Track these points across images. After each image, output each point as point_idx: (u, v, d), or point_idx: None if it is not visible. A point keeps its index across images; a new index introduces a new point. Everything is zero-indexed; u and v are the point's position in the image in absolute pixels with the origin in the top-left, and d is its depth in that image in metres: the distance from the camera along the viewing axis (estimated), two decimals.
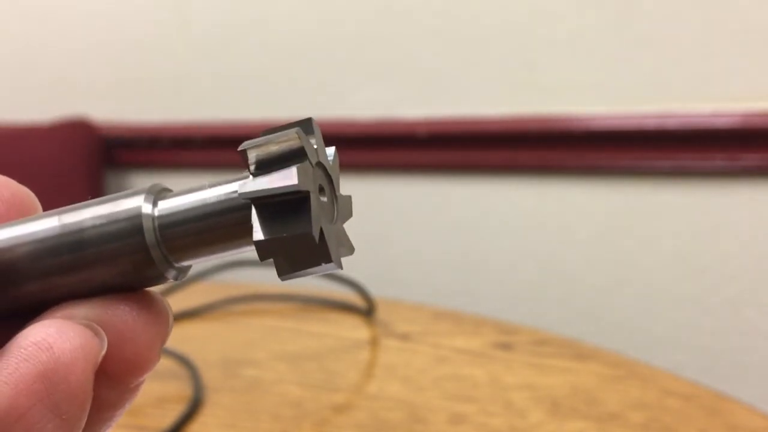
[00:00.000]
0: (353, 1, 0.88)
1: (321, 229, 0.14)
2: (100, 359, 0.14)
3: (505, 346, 0.53)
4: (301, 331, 0.58)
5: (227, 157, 0.91)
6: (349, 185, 1.02)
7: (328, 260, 0.15)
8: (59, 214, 0.16)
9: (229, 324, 0.61)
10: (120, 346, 0.15)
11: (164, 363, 0.51)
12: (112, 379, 0.15)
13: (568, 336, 0.55)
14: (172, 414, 0.44)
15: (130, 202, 0.15)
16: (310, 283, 0.63)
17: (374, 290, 0.61)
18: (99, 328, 0.15)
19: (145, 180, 1.07)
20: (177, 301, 0.61)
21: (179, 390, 0.47)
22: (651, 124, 0.76)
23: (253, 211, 0.14)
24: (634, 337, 0.82)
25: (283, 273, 0.15)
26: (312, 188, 0.14)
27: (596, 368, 0.49)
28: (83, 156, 1.01)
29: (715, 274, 0.78)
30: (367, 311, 0.60)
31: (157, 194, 0.16)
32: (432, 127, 0.86)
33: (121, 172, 1.07)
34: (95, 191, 0.98)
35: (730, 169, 0.75)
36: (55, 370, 0.13)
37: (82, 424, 0.14)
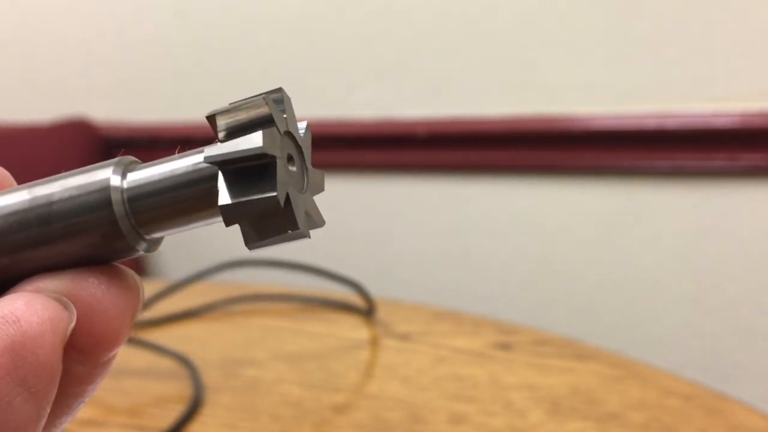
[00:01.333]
0: (353, 1, 0.88)
1: (288, 196, 0.14)
2: (69, 332, 0.14)
3: (505, 346, 0.53)
4: (301, 331, 0.58)
5: None
6: (349, 185, 1.03)
7: (295, 227, 0.14)
8: (30, 187, 0.15)
9: (229, 324, 0.61)
10: (89, 320, 0.15)
11: (164, 363, 0.51)
12: (82, 353, 0.15)
13: (568, 336, 0.55)
14: (172, 414, 0.44)
15: (98, 174, 0.15)
16: (310, 283, 0.63)
17: (374, 290, 0.61)
18: (68, 301, 0.15)
19: None
20: (177, 301, 0.61)
21: (179, 390, 0.47)
22: (651, 124, 0.76)
23: (220, 176, 0.14)
24: (634, 337, 0.82)
25: (250, 241, 0.15)
26: (278, 154, 0.14)
27: (596, 368, 0.49)
28: (83, 156, 1.01)
29: (715, 274, 0.78)
30: (367, 311, 0.60)
31: (126, 166, 0.16)
32: (432, 127, 0.86)
33: None
34: None
35: (729, 169, 0.75)
36: (22, 343, 0.13)
37: (51, 398, 0.14)
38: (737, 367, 0.78)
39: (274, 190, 0.14)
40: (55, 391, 0.14)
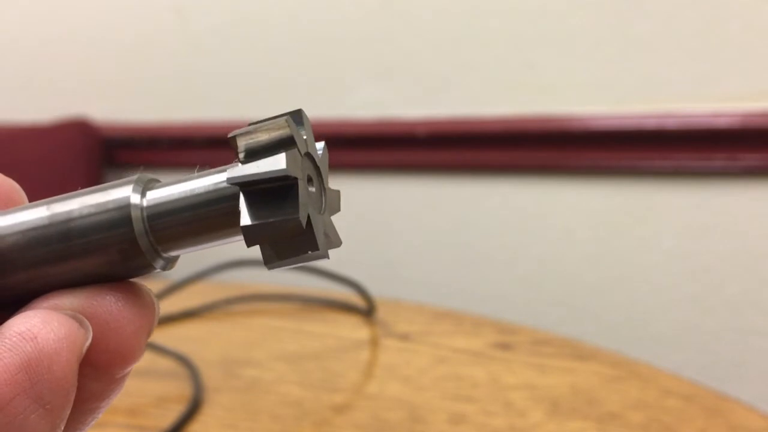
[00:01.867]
0: (353, 1, 0.88)
1: (309, 217, 0.14)
2: (84, 350, 0.14)
3: (505, 346, 0.53)
4: (301, 331, 0.58)
5: (227, 157, 0.90)
6: (349, 185, 1.02)
7: (315, 248, 0.15)
8: (48, 203, 0.16)
9: (229, 324, 0.61)
10: (105, 337, 0.15)
11: (164, 363, 0.51)
12: (98, 369, 0.15)
13: (568, 336, 0.55)
14: (172, 414, 0.44)
15: (118, 192, 0.15)
16: (310, 283, 0.63)
17: (374, 290, 0.61)
18: (84, 319, 0.15)
19: None
20: (177, 301, 0.61)
21: (179, 390, 0.47)
22: (651, 124, 0.76)
23: (241, 197, 0.14)
24: (634, 337, 0.82)
25: (270, 261, 0.15)
26: (300, 175, 0.14)
27: (596, 368, 0.49)
28: (83, 156, 1.01)
29: (715, 274, 0.78)
30: (367, 311, 0.60)
31: (145, 184, 0.16)
32: (432, 127, 0.86)
33: (121, 172, 1.07)
34: None
35: (729, 169, 0.75)
36: (38, 360, 0.13)
37: (66, 415, 0.14)
38: (737, 367, 0.78)
39: (296, 212, 0.14)
40: (69, 408, 0.14)
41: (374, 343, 0.55)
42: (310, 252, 0.15)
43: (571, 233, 0.83)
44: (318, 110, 0.91)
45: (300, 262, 0.15)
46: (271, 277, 0.66)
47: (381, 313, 0.60)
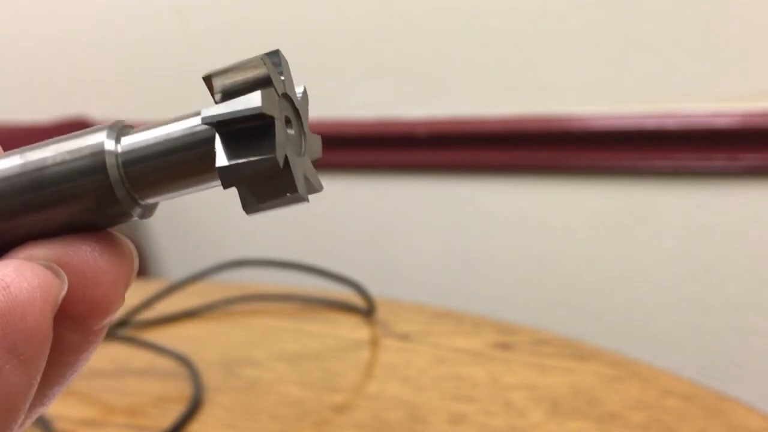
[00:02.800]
0: (353, 1, 0.88)
1: (286, 158, 0.14)
2: (60, 300, 0.14)
3: (505, 346, 0.53)
4: (301, 331, 0.58)
5: None
6: (349, 185, 1.02)
7: (294, 190, 0.14)
8: (21, 152, 0.15)
9: (229, 324, 0.61)
10: (82, 286, 0.15)
11: (164, 363, 0.51)
12: (75, 320, 0.15)
13: (568, 336, 0.55)
14: (172, 414, 0.44)
15: (92, 138, 0.15)
16: (310, 283, 0.63)
17: (374, 290, 0.61)
18: (59, 268, 0.14)
19: None
20: (177, 301, 0.61)
21: (179, 390, 0.47)
22: (651, 124, 0.76)
23: (217, 138, 0.14)
24: (634, 337, 0.82)
25: (249, 204, 0.14)
26: (277, 115, 0.14)
27: (596, 368, 0.49)
28: None
29: (715, 274, 0.78)
30: (367, 311, 0.60)
31: (120, 130, 0.15)
32: (432, 127, 0.86)
33: None
34: None
35: (729, 169, 0.75)
36: (11, 309, 0.13)
37: (41, 366, 0.14)
38: (737, 367, 0.78)
39: (272, 151, 0.14)
40: (45, 360, 0.14)
41: (374, 343, 0.55)
42: (289, 194, 0.14)
43: (571, 233, 0.83)
44: (318, 110, 0.91)
45: (279, 206, 0.15)
46: (271, 277, 0.66)
47: (381, 313, 0.60)
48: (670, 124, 0.75)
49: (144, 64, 1.03)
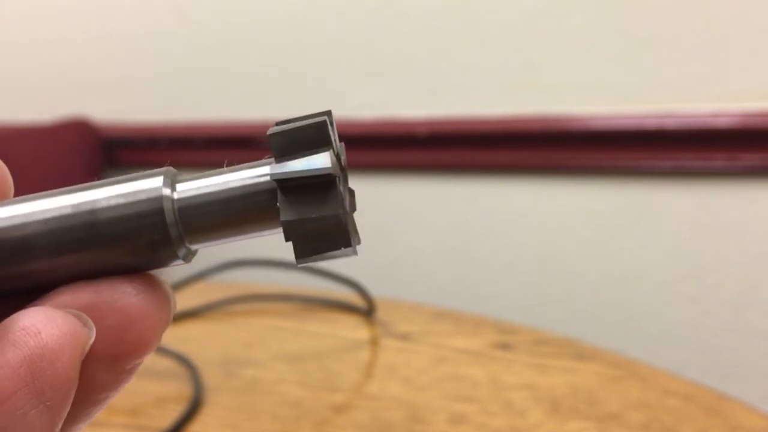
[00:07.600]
0: (353, 1, 0.88)
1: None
2: (87, 348, 0.14)
3: (505, 346, 0.53)
4: (301, 331, 0.58)
5: (227, 157, 0.90)
6: (349, 185, 1.01)
7: (348, 244, 0.15)
8: (66, 192, 0.16)
9: (229, 324, 0.61)
10: (125, 328, 0.15)
11: (164, 363, 0.51)
12: (112, 360, 0.15)
13: (568, 336, 0.55)
14: (172, 414, 0.44)
15: (149, 182, 0.15)
16: (310, 283, 0.63)
17: (374, 290, 0.61)
18: (87, 318, 0.15)
19: None
20: (177, 301, 0.61)
21: (179, 390, 0.47)
22: (651, 124, 0.76)
23: (279, 192, 0.15)
24: (634, 337, 0.82)
25: (303, 255, 0.15)
26: (338, 174, 0.15)
27: (596, 368, 0.49)
28: (83, 156, 1.01)
29: (715, 274, 0.78)
30: (367, 311, 0.60)
31: (173, 176, 0.16)
32: (432, 127, 0.86)
33: (121, 172, 1.07)
34: None
35: (729, 169, 0.75)
36: (41, 355, 0.13)
37: (65, 412, 0.14)
38: (737, 367, 0.78)
39: (338, 209, 0.15)
40: (69, 406, 0.14)
41: (374, 343, 0.55)
42: (342, 248, 0.15)
43: (571, 233, 0.83)
44: (318, 110, 0.91)
45: (330, 258, 0.15)
46: (271, 277, 0.66)
47: (381, 313, 0.60)
48: (670, 124, 0.75)
49: (144, 64, 1.03)
